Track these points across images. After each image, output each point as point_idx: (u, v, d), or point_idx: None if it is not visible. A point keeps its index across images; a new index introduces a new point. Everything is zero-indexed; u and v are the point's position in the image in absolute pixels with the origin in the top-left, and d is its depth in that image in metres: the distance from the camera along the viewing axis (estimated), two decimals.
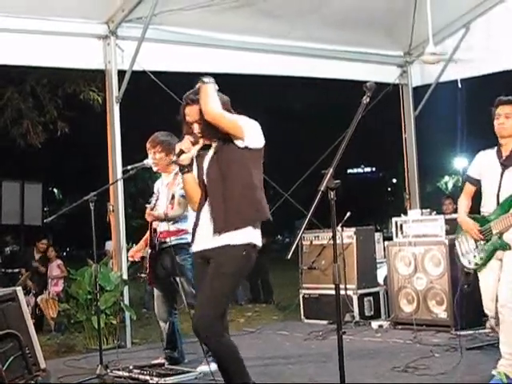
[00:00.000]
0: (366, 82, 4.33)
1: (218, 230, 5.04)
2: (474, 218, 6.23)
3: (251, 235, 5.10)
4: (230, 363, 5.10)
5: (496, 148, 6.17)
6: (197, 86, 5.13)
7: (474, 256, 6.22)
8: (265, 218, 5.20)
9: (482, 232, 6.13)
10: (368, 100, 4.28)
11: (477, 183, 6.28)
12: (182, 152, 5.12)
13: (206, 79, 5.08)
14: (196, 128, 5.16)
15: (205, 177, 5.19)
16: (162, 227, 7.16)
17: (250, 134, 5.06)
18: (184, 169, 5.20)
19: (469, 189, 6.38)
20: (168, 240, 6.97)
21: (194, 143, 5.15)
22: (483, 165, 6.25)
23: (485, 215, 6.16)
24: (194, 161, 5.27)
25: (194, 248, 5.28)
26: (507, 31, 10.34)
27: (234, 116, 5.12)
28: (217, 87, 5.13)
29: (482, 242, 6.13)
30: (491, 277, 6.09)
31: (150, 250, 7.19)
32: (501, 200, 6.03)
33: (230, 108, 5.20)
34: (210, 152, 5.20)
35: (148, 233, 7.28)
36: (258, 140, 5.12)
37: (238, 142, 5.04)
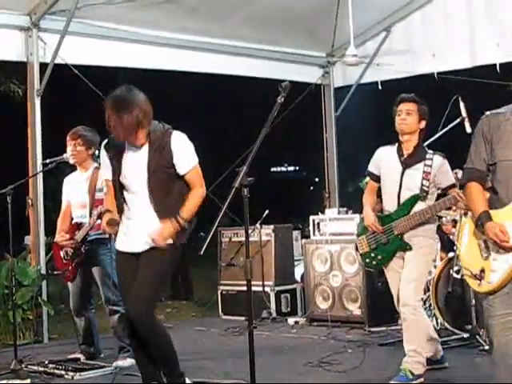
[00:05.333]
0: (289, 81, 4.40)
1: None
2: (378, 216, 6.20)
3: (182, 235, 5.29)
4: (164, 350, 5.26)
5: (397, 145, 6.15)
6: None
7: (376, 256, 6.23)
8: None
9: (383, 231, 6.11)
10: (283, 100, 4.35)
11: (377, 178, 6.26)
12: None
13: (174, 224, 5.16)
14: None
15: (144, 181, 5.23)
16: (79, 221, 7.19)
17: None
18: None
19: (371, 185, 6.34)
20: (89, 234, 7.07)
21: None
22: (382, 160, 6.22)
23: (386, 214, 6.16)
24: (109, 162, 5.36)
25: (124, 248, 5.35)
26: (426, 36, 10.60)
27: (196, 170, 5.31)
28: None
29: (383, 241, 6.13)
30: (396, 275, 6.13)
31: (72, 247, 7.20)
32: (402, 200, 6.04)
33: (150, 109, 5.24)
34: (140, 153, 5.25)
35: (60, 226, 7.31)
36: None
37: None
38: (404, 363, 5.95)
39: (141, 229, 5.23)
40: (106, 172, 5.45)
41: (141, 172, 5.22)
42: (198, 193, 5.28)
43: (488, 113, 4.21)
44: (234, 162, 10.75)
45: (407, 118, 6.02)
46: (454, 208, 6.79)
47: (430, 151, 6.10)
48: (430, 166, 5.98)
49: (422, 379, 5.92)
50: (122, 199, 5.33)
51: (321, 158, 12.27)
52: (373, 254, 6.25)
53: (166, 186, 5.21)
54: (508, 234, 3.96)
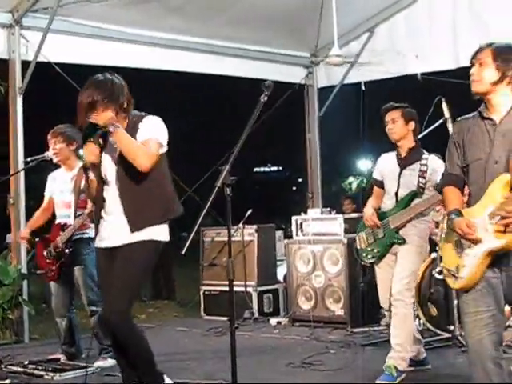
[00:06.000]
0: (274, 81, 4.40)
1: (132, 228, 5.08)
2: (377, 212, 6.42)
3: (160, 231, 5.19)
4: (140, 352, 5.18)
5: (396, 150, 6.41)
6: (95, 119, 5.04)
7: (372, 249, 6.40)
8: (176, 214, 5.29)
9: (380, 226, 6.31)
10: (266, 98, 4.37)
11: (381, 184, 6.50)
12: (92, 165, 5.13)
13: (111, 128, 4.97)
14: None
15: (113, 174, 5.16)
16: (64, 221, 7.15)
17: (164, 143, 5.15)
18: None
19: (376, 191, 6.57)
20: (73, 235, 7.04)
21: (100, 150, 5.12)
22: (384, 166, 6.48)
23: (384, 210, 6.38)
24: None
25: (101, 244, 5.26)
26: (410, 37, 10.61)
27: (153, 140, 5.06)
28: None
29: (380, 236, 6.32)
30: (387, 271, 6.31)
31: (52, 247, 7.15)
32: (399, 197, 6.27)
33: (128, 93, 5.17)
34: (114, 146, 5.14)
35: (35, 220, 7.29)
36: (165, 144, 5.19)
37: None
38: (389, 359, 6.06)
39: (114, 222, 5.15)
40: None
41: (112, 161, 5.16)
42: (144, 152, 4.98)
43: (459, 118, 4.37)
44: (216, 162, 10.75)
45: (393, 126, 6.29)
46: (437, 209, 6.86)
47: (426, 153, 6.34)
48: (426, 165, 6.23)
49: (404, 375, 6.04)
50: (102, 193, 5.23)
51: (304, 159, 12.26)
52: (369, 248, 6.44)
53: (134, 176, 5.06)
54: (474, 227, 4.02)
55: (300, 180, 38.31)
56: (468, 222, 4.06)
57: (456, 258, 4.17)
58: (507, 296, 4.09)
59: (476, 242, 4.04)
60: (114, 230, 5.17)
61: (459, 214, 4.15)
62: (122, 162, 5.09)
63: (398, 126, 6.27)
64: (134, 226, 5.09)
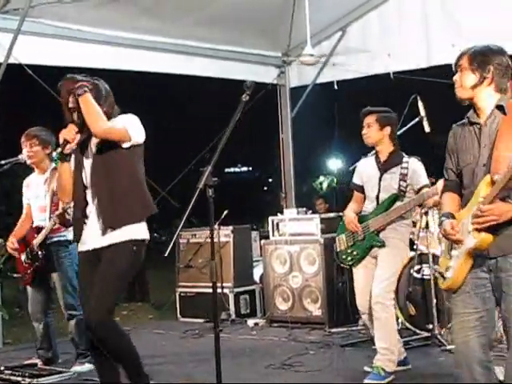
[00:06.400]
0: (244, 81, 4.38)
1: (107, 226, 5.04)
2: (358, 216, 6.43)
3: (140, 230, 5.15)
4: (125, 354, 5.15)
5: (375, 154, 6.42)
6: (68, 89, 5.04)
7: (352, 252, 6.40)
8: (153, 211, 5.26)
9: (361, 229, 6.32)
10: (247, 98, 4.36)
11: (361, 189, 6.50)
12: (66, 142, 5.04)
13: (79, 90, 4.97)
14: (76, 117, 5.08)
15: (88, 173, 5.14)
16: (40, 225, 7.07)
17: (134, 134, 5.09)
18: (66, 157, 5.13)
19: (356, 196, 6.59)
20: (48, 237, 6.96)
21: (77, 132, 5.08)
22: (363, 171, 6.50)
23: (365, 214, 6.38)
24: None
25: (82, 247, 5.21)
26: (381, 36, 10.59)
27: (120, 123, 5.09)
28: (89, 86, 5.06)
29: (360, 238, 6.32)
30: (364, 274, 6.34)
31: (29, 251, 7.06)
32: (380, 201, 6.28)
33: (112, 99, 5.21)
34: (92, 146, 5.15)
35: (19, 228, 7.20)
36: (140, 136, 5.16)
37: (124, 144, 5.06)
38: (376, 361, 6.07)
39: (92, 225, 5.11)
40: None
41: (89, 159, 5.16)
42: (104, 121, 5.01)
43: (454, 125, 4.35)
44: (189, 162, 10.70)
45: (368, 131, 6.35)
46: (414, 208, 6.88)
47: (406, 156, 6.35)
48: (407, 168, 6.24)
49: (393, 376, 6.05)
50: (83, 196, 5.18)
51: (275, 159, 12.24)
52: (349, 251, 6.44)
53: (109, 175, 5.06)
54: (457, 229, 4.04)
55: (270, 180, 38.39)
56: (452, 223, 4.09)
57: (446, 259, 4.20)
58: (497, 298, 4.08)
59: (458, 242, 4.06)
60: (93, 232, 5.12)
61: (450, 216, 4.16)
62: (97, 163, 5.09)
63: (372, 130, 6.30)
64: (108, 225, 5.04)
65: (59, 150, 5.11)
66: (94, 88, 5.07)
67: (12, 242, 7.14)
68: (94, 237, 5.11)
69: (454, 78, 4.22)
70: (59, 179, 5.29)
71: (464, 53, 4.23)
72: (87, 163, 5.17)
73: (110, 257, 5.05)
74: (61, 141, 5.07)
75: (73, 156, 5.21)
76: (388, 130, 6.30)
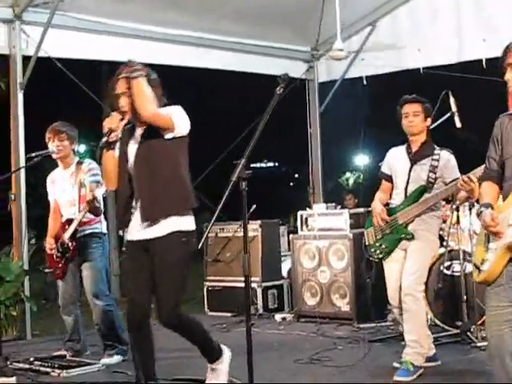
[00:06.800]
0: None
1: (145, 218, 5.10)
2: (386, 208, 6.36)
3: (184, 221, 5.19)
4: (196, 337, 5.43)
5: (406, 144, 6.33)
6: (123, 73, 5.10)
7: (380, 245, 6.34)
8: (193, 205, 5.29)
9: (388, 222, 6.25)
10: (282, 91, 4.34)
11: (389, 178, 6.43)
12: (111, 130, 5.09)
13: (135, 73, 5.05)
14: (123, 101, 5.13)
15: (133, 163, 5.19)
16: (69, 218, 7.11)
17: (180, 124, 5.15)
18: (110, 146, 5.17)
19: (384, 185, 6.51)
20: (80, 230, 7.01)
21: (121, 119, 5.12)
22: (393, 160, 6.41)
23: (393, 206, 6.32)
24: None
25: (127, 236, 5.28)
26: (411, 31, 10.55)
27: (166, 112, 5.15)
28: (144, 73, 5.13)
29: (388, 231, 6.26)
30: (395, 267, 6.26)
31: (59, 244, 7.08)
32: (408, 193, 6.20)
33: (161, 91, 5.28)
34: (137, 137, 5.22)
35: (52, 226, 7.22)
36: (184, 127, 5.22)
37: (167, 135, 5.11)
38: (405, 355, 6.02)
39: (137, 214, 5.19)
40: None
41: (133, 149, 5.22)
42: (153, 106, 5.13)
43: (501, 115, 4.33)
44: (210, 156, 10.70)
45: (414, 119, 6.19)
46: (443, 204, 6.81)
47: (438, 148, 6.25)
48: (437, 161, 6.14)
49: (422, 370, 6.00)
50: (128, 186, 5.25)
51: (302, 154, 12.20)
52: (378, 244, 6.36)
53: (152, 166, 5.12)
54: (496, 220, 4.02)
55: (297, 175, 38.35)
56: (493, 214, 4.05)
57: (483, 252, 4.16)
58: None
59: (497, 235, 4.03)
60: (136, 223, 5.20)
61: (489, 207, 4.13)
62: (140, 153, 5.16)
63: (418, 119, 6.19)
64: (146, 216, 5.11)
65: (105, 138, 5.13)
66: (148, 75, 5.15)
67: (50, 243, 7.17)
68: (137, 227, 5.18)
69: (506, 77, 4.15)
70: (104, 167, 5.33)
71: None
72: (131, 153, 5.23)
73: (160, 252, 5.12)
74: (105, 130, 5.12)
75: (117, 145, 5.26)
76: (429, 121, 6.26)
